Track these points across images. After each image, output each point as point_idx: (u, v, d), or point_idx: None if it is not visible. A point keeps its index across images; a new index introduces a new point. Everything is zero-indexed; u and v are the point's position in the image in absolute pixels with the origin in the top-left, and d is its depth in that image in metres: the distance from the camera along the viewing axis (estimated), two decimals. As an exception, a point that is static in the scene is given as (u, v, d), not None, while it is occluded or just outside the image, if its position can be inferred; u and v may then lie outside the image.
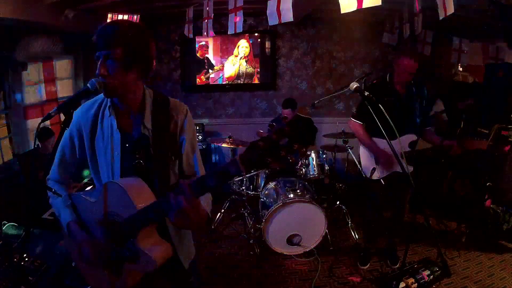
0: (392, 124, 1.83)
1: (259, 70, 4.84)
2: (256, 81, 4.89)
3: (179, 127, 1.30)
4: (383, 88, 2.58)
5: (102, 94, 1.22)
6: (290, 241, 3.08)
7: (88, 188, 3.02)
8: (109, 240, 1.21)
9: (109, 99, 1.27)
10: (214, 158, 5.12)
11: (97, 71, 1.15)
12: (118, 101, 1.26)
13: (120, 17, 3.38)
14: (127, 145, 1.27)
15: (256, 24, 4.76)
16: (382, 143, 2.53)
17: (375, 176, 2.63)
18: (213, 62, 4.84)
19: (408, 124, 2.55)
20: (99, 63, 1.15)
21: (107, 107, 1.28)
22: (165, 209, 1.08)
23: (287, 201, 2.98)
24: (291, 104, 3.97)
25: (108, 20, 3.40)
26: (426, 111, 2.65)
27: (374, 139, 2.60)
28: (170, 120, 1.29)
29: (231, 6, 2.95)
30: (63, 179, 1.41)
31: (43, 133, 3.17)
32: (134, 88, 1.24)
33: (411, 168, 2.54)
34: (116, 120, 1.27)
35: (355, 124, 2.67)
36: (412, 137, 2.56)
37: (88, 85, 1.24)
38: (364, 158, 2.74)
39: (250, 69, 4.83)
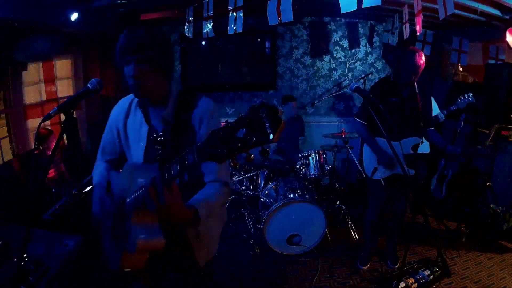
0: (392, 125, 1.82)
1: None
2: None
3: (198, 123, 1.33)
4: (386, 88, 2.57)
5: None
6: (290, 241, 3.08)
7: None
8: (118, 210, 1.32)
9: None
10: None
11: (131, 73, 1.21)
12: (138, 97, 1.36)
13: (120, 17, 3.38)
14: (152, 137, 1.36)
15: (256, 24, 4.76)
16: (384, 143, 2.53)
17: (376, 175, 2.63)
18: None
19: (411, 125, 2.54)
20: (131, 66, 1.21)
21: (137, 101, 1.42)
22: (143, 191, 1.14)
23: (287, 201, 2.98)
24: (292, 98, 4.04)
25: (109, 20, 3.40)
26: (429, 112, 2.64)
27: (377, 139, 2.60)
28: (191, 116, 1.33)
29: (231, 6, 2.95)
30: (107, 160, 1.58)
31: (42, 134, 3.17)
32: (161, 87, 1.33)
33: (412, 172, 2.54)
34: (145, 113, 1.38)
35: (358, 123, 2.68)
36: (415, 140, 2.55)
37: (88, 85, 1.25)
38: (366, 157, 2.73)
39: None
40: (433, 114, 2.65)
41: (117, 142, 1.51)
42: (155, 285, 1.52)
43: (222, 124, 0.95)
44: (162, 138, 1.34)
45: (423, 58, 2.41)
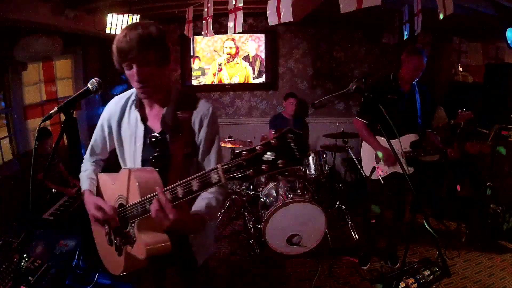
0: (391, 124, 1.82)
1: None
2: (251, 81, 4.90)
3: (198, 125, 1.32)
4: (386, 86, 2.59)
5: (131, 90, 1.33)
6: (290, 241, 3.08)
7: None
8: (117, 216, 1.27)
9: (135, 93, 1.35)
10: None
11: (135, 79, 1.18)
12: (144, 99, 1.33)
13: (120, 17, 3.37)
14: (149, 138, 1.33)
15: (256, 24, 4.76)
16: (384, 142, 2.53)
17: (375, 175, 2.63)
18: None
19: (410, 124, 2.55)
20: (134, 71, 1.18)
21: (133, 101, 1.36)
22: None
23: (287, 201, 2.97)
24: (293, 94, 4.05)
25: (108, 20, 3.40)
26: (428, 111, 2.65)
27: (377, 137, 2.60)
28: (192, 118, 1.31)
29: (231, 6, 2.95)
30: (95, 160, 1.54)
31: (41, 134, 3.17)
32: (163, 85, 1.30)
33: (411, 169, 2.54)
34: (141, 113, 1.35)
35: (358, 122, 2.68)
36: (413, 136, 2.56)
37: (88, 85, 1.24)
38: (365, 157, 2.74)
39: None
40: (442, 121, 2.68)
41: (108, 141, 1.47)
42: (156, 285, 1.53)
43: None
44: (159, 138, 1.32)
45: (425, 57, 2.43)
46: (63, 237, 2.29)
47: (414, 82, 2.55)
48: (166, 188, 1.07)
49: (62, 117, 1.21)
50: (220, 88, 4.91)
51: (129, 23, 3.46)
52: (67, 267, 2.16)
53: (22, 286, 1.91)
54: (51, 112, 1.16)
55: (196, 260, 1.43)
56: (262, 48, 4.75)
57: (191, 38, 4.33)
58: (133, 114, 1.36)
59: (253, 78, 4.84)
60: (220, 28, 4.24)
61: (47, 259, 2.11)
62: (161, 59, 1.21)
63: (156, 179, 1.20)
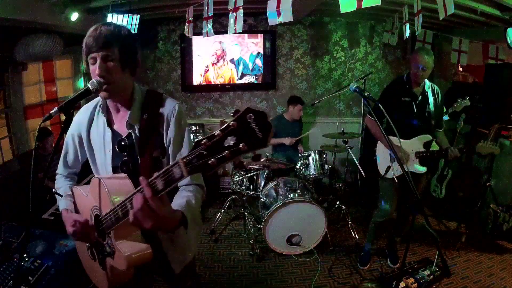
0: (392, 124, 1.82)
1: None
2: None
3: (165, 125, 1.29)
4: (400, 88, 2.62)
5: (99, 95, 1.24)
6: (290, 241, 3.09)
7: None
8: (94, 229, 1.23)
9: (101, 99, 1.31)
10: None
11: (97, 72, 1.17)
12: (110, 100, 1.29)
13: (120, 17, 3.38)
14: (117, 143, 1.30)
15: (256, 24, 4.76)
16: (396, 141, 2.54)
17: (390, 174, 2.62)
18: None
19: (423, 125, 2.58)
20: (97, 65, 1.17)
21: (100, 106, 1.33)
22: (129, 207, 1.02)
23: (287, 201, 2.98)
24: (301, 100, 4.03)
25: (108, 20, 3.40)
26: (440, 112, 2.67)
27: (391, 137, 2.60)
28: (158, 118, 1.28)
29: (231, 6, 2.95)
30: (68, 174, 1.51)
31: (41, 134, 3.17)
32: (126, 87, 1.28)
33: (424, 169, 2.55)
34: (107, 118, 1.32)
35: (370, 121, 2.68)
36: (427, 137, 2.58)
37: (88, 85, 1.24)
38: (380, 156, 2.73)
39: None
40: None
41: (80, 152, 1.44)
42: None
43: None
44: (126, 142, 1.29)
45: (433, 57, 2.44)
46: (63, 237, 2.29)
47: (426, 83, 2.57)
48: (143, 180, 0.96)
49: (62, 117, 1.21)
50: (220, 88, 4.91)
51: (129, 23, 3.47)
52: (67, 267, 2.15)
53: (22, 286, 1.91)
54: (51, 112, 1.15)
55: (173, 268, 1.38)
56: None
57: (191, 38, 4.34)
58: (101, 120, 1.34)
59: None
60: (220, 28, 4.24)
61: (47, 259, 2.11)
62: (126, 60, 1.20)
63: (127, 184, 1.15)
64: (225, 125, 0.78)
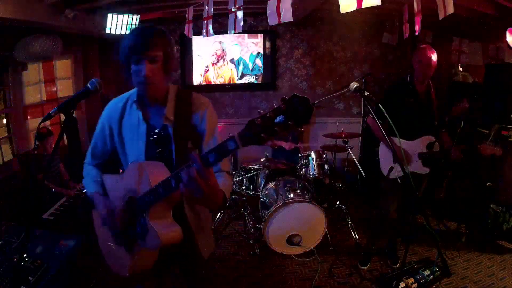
0: (391, 124, 1.82)
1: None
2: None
3: (199, 119, 1.38)
4: (403, 88, 2.60)
5: (129, 92, 1.40)
6: (290, 241, 3.08)
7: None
8: (125, 212, 1.31)
9: (135, 94, 1.40)
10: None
11: (143, 73, 1.24)
12: (146, 96, 1.36)
13: (120, 17, 3.38)
14: (151, 135, 1.38)
15: (256, 24, 4.76)
16: (400, 142, 2.54)
17: (393, 175, 2.62)
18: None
19: (427, 125, 2.57)
20: (143, 66, 1.24)
21: (133, 101, 1.40)
22: (174, 183, 1.12)
23: (287, 201, 2.97)
24: None
25: (108, 20, 3.40)
26: (443, 112, 2.67)
27: (393, 138, 2.60)
28: (191, 113, 1.38)
29: (231, 6, 2.95)
30: (96, 164, 1.57)
31: (41, 134, 3.17)
32: (165, 86, 1.38)
33: (427, 170, 2.55)
34: (142, 112, 1.39)
35: (372, 122, 2.68)
36: (430, 138, 2.57)
37: (88, 85, 1.25)
38: (382, 157, 2.73)
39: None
40: None
41: (109, 143, 1.50)
42: (159, 285, 1.53)
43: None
44: (162, 135, 1.37)
45: (435, 54, 2.43)
46: (63, 237, 2.29)
47: (430, 83, 2.57)
48: (195, 154, 1.09)
49: (62, 117, 1.21)
50: (220, 88, 4.91)
51: (129, 23, 3.47)
52: (67, 267, 2.15)
53: (22, 286, 1.91)
54: (51, 112, 1.16)
55: (202, 256, 1.48)
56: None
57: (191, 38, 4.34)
58: (135, 114, 1.40)
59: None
60: (220, 28, 4.24)
61: (47, 259, 2.11)
62: (168, 63, 1.30)
63: (165, 169, 1.24)
64: (277, 107, 0.93)
